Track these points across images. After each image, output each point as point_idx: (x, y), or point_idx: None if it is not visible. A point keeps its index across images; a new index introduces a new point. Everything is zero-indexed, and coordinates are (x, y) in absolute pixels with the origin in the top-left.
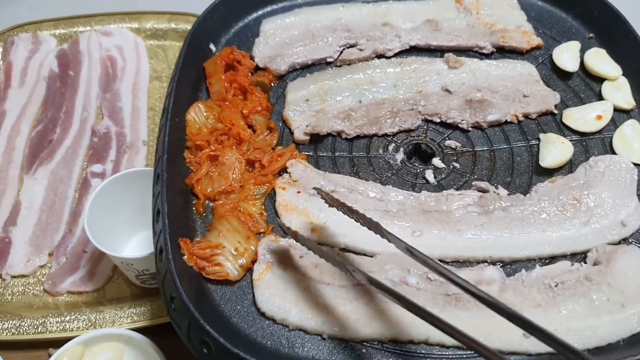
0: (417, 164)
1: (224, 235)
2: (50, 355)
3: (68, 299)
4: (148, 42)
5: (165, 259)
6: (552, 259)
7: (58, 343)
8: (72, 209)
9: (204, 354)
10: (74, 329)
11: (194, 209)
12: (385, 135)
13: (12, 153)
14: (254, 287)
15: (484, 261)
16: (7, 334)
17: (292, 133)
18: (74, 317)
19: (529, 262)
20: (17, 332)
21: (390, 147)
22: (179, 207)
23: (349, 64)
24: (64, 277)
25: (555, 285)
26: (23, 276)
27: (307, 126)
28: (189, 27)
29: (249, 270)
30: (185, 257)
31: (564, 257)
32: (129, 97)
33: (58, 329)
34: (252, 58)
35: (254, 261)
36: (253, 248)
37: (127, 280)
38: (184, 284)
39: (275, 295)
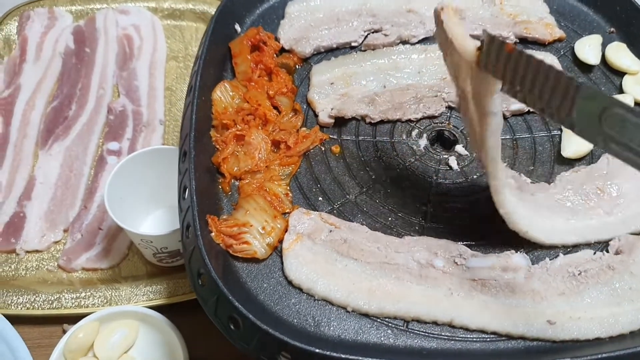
0: (439, 150)
1: (251, 213)
2: (64, 331)
3: (83, 275)
4: (165, 22)
5: (193, 235)
6: (574, 248)
7: (73, 319)
8: (88, 186)
9: (232, 330)
10: (89, 305)
11: (219, 187)
12: (408, 120)
13: (27, 127)
14: (283, 256)
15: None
16: (22, 308)
17: (316, 115)
18: (89, 293)
19: (551, 250)
20: (31, 307)
21: (414, 133)
22: (205, 184)
23: (373, 49)
24: (79, 253)
25: (579, 274)
26: (37, 251)
27: (332, 109)
28: (206, 8)
29: (275, 249)
30: (213, 234)
31: (587, 245)
32: (145, 76)
33: (73, 305)
34: (277, 40)
35: (280, 240)
36: (280, 227)
37: (142, 259)
38: (212, 260)
39: (303, 265)
